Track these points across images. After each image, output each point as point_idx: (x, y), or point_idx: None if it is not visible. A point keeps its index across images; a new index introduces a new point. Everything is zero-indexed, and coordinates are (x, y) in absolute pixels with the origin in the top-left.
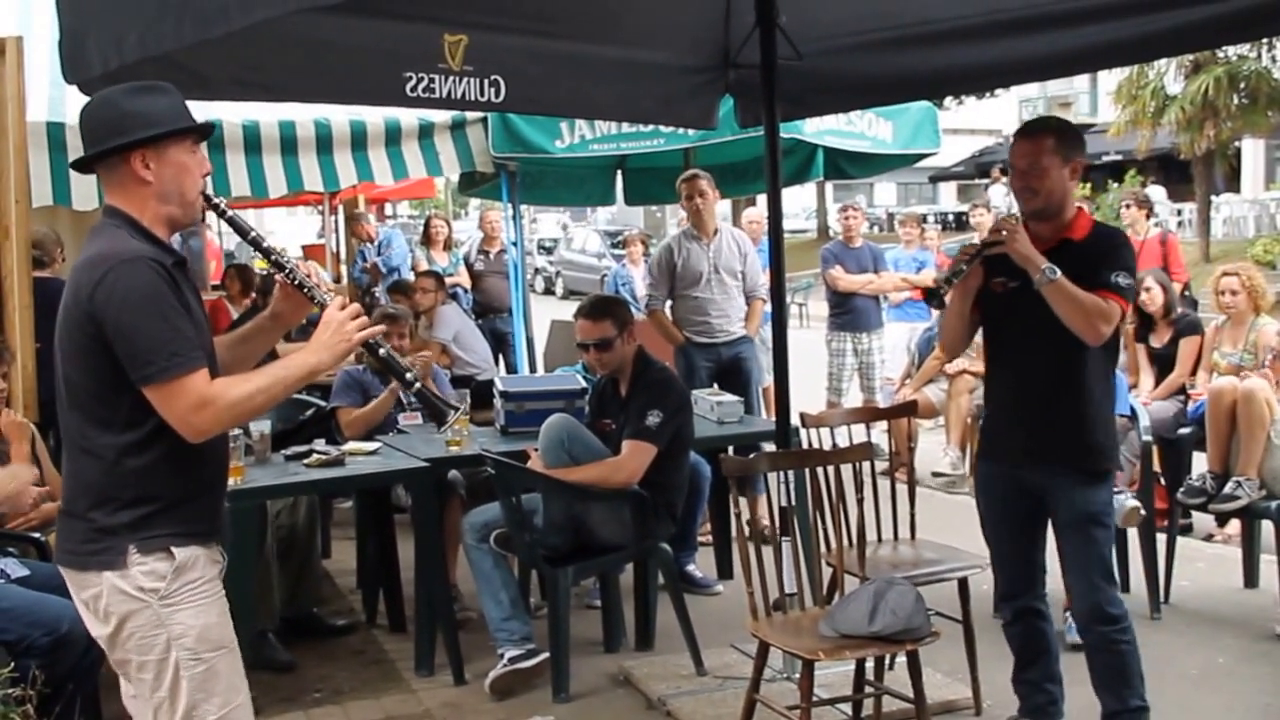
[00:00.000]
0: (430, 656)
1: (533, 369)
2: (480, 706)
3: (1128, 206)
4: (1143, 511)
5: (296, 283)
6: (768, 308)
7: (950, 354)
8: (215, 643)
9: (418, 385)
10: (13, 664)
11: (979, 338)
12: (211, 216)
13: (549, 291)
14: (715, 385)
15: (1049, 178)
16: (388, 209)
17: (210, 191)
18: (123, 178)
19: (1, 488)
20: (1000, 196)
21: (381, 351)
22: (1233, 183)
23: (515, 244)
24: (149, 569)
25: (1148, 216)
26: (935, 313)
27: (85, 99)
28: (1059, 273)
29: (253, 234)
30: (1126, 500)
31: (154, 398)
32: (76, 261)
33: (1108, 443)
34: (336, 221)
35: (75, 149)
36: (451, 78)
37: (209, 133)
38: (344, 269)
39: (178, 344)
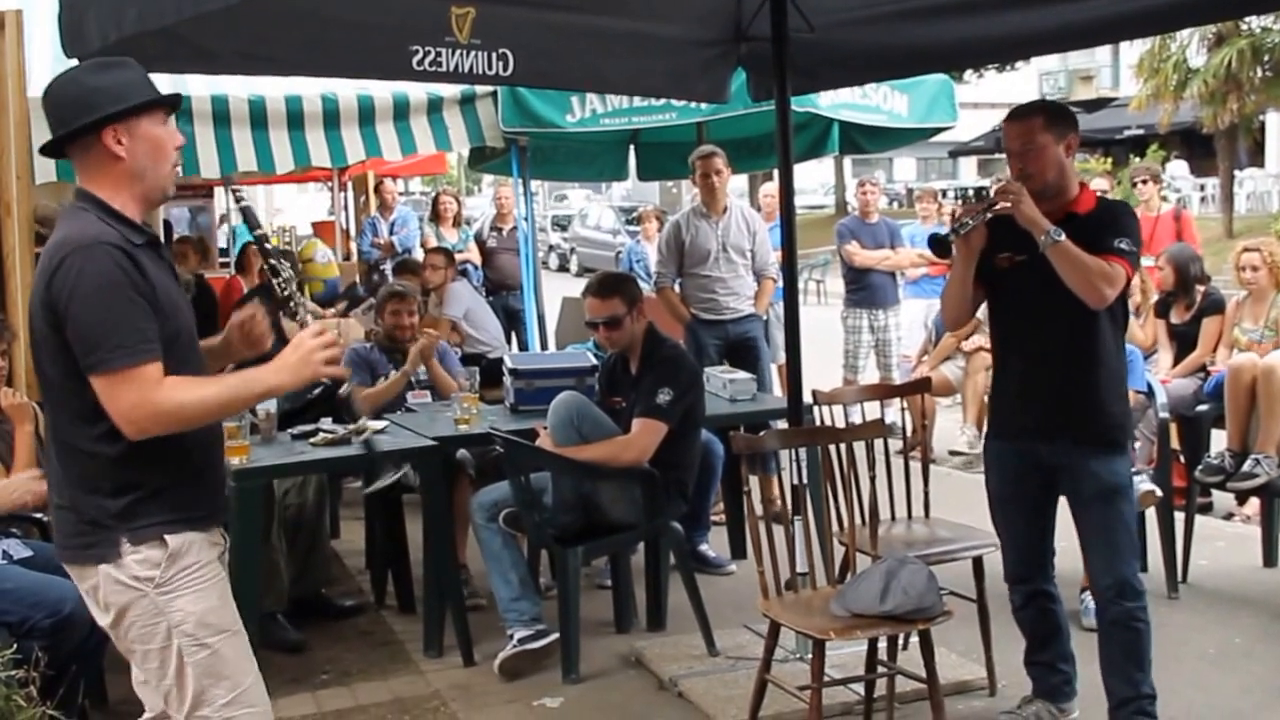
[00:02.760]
0: (439, 637)
1: (544, 346)
2: (489, 688)
3: (1144, 182)
4: (1159, 493)
5: (285, 295)
6: (779, 284)
7: (952, 325)
8: (217, 627)
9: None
10: (15, 646)
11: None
12: (219, 193)
13: (563, 268)
14: (725, 363)
15: (1044, 157)
16: (399, 185)
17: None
18: (96, 156)
19: (5, 498)
20: None
21: (341, 392)
22: (1257, 157)
23: (526, 219)
24: (142, 558)
25: (1158, 190)
26: None
27: None
28: (1064, 235)
29: (259, 231)
30: (1142, 483)
31: (97, 388)
32: (45, 246)
33: (1122, 415)
34: (346, 198)
35: None
36: (459, 51)
37: (178, 104)
38: (354, 245)
39: (123, 335)
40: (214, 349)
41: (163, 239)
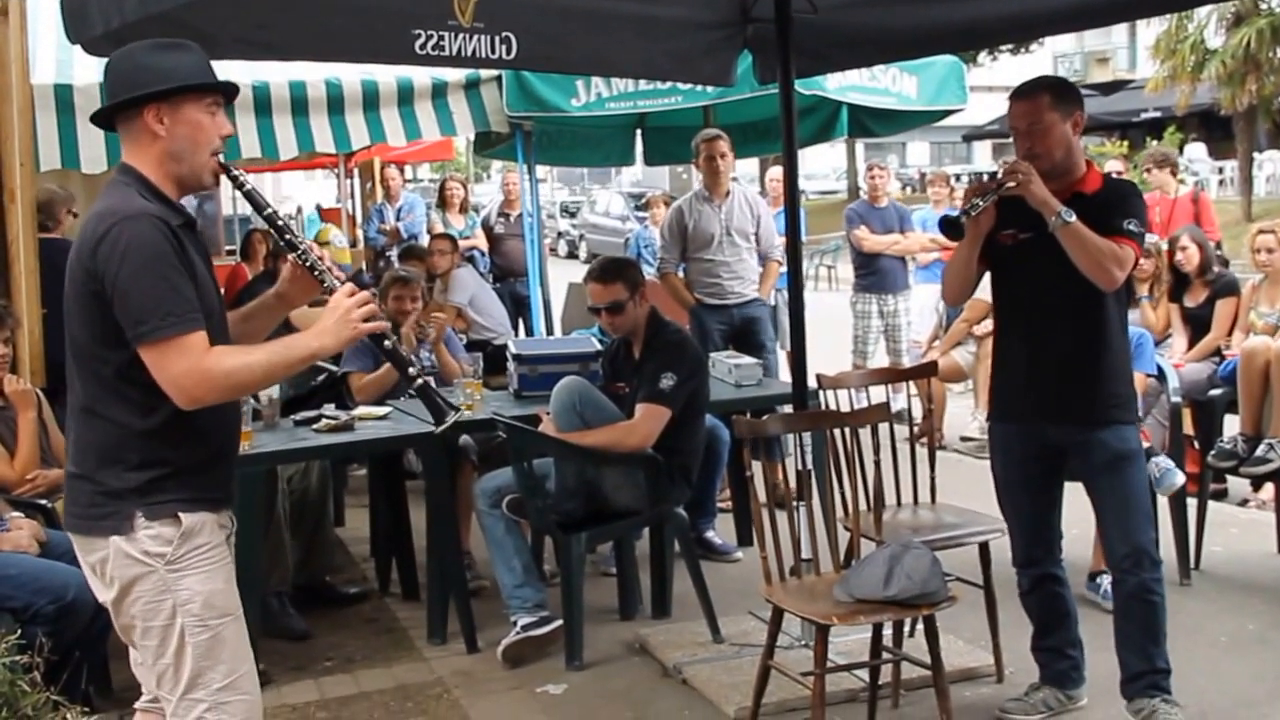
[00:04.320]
0: (443, 624)
1: (550, 332)
2: (493, 674)
3: (1149, 170)
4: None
5: (308, 265)
6: (783, 269)
7: (951, 301)
8: (221, 609)
9: (420, 381)
10: (20, 631)
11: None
12: (227, 182)
13: (572, 255)
14: (730, 347)
15: (1051, 136)
16: (407, 172)
17: (226, 161)
18: (137, 132)
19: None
20: None
21: (387, 344)
22: (1276, 139)
23: (532, 205)
24: (155, 534)
25: (1174, 174)
26: None
27: (93, 61)
28: (1074, 216)
29: (268, 210)
30: (1176, 477)
31: (147, 358)
32: (84, 217)
33: (1127, 394)
34: (352, 185)
35: (83, 110)
36: (462, 35)
37: (233, 94)
38: (360, 232)
39: (174, 304)
40: (267, 303)
41: None
